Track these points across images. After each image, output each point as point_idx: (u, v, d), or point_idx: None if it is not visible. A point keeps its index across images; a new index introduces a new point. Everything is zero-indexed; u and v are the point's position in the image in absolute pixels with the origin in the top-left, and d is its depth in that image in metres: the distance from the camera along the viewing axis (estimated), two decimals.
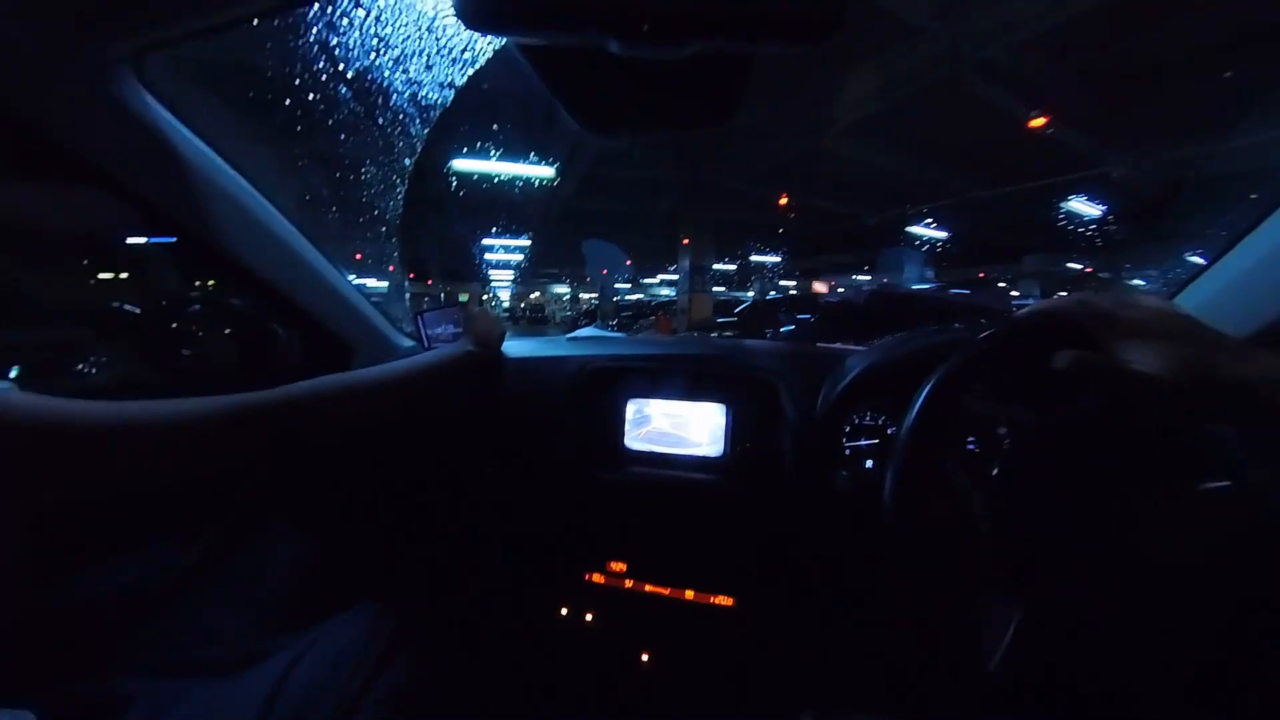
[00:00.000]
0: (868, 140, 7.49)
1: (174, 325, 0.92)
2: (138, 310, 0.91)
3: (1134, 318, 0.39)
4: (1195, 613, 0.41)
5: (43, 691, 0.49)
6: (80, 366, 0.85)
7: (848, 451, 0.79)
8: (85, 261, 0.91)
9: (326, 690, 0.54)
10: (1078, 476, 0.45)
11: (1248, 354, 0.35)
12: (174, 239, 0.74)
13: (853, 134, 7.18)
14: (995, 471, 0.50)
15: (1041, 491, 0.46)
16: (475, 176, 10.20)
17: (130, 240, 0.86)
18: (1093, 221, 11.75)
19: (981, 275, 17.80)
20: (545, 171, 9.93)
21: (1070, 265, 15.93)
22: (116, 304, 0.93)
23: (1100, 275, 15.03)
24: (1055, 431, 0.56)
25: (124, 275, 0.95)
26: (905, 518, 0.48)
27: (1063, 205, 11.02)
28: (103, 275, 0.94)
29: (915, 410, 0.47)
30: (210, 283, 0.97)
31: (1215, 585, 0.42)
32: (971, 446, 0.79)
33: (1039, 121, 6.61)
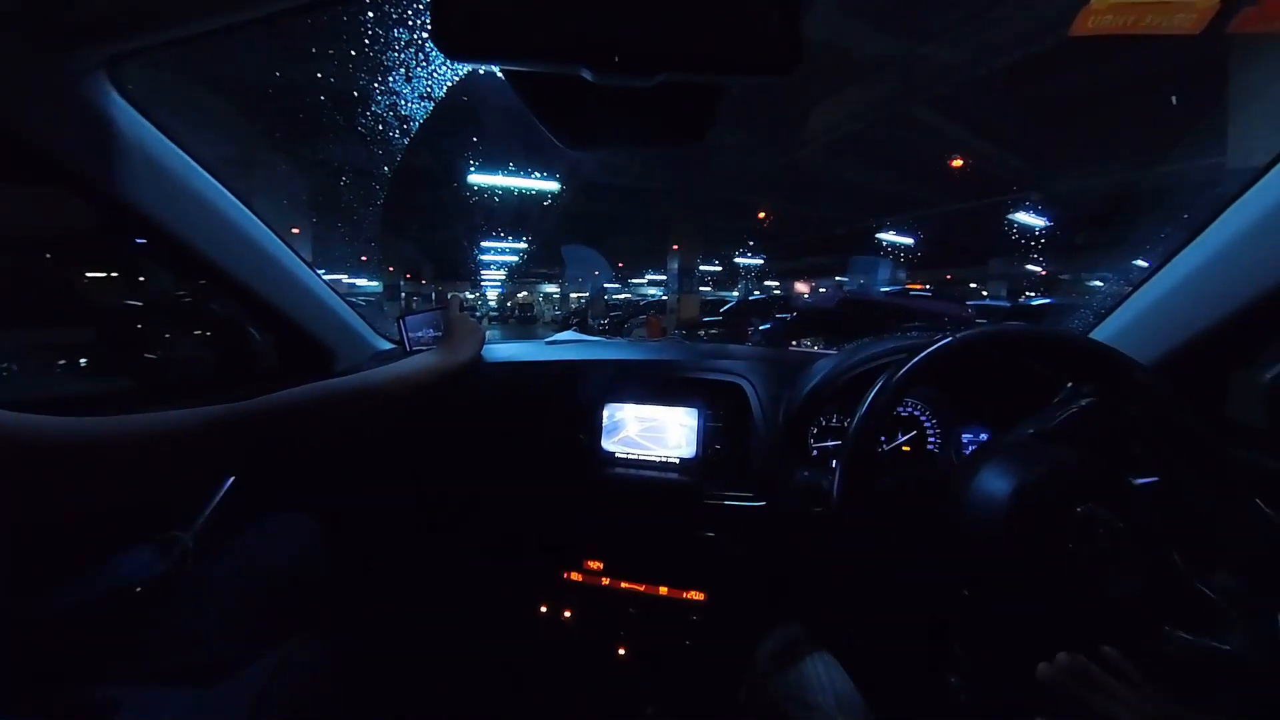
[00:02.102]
0: (841, 158, 8.19)
1: (148, 329, 0.89)
2: (112, 314, 0.88)
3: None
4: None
5: (24, 701, 0.48)
6: (54, 370, 0.82)
7: (815, 452, 0.80)
8: (59, 265, 0.88)
9: (312, 694, 0.53)
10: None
11: None
12: (149, 243, 0.71)
13: (827, 152, 7.86)
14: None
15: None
16: (481, 187, 10.16)
17: (104, 244, 0.83)
18: (1040, 230, 13.08)
19: (949, 277, 18.24)
20: (550, 185, 9.96)
21: (1030, 267, 16.51)
22: (91, 308, 0.90)
23: (1060, 277, 15.58)
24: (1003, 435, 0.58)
25: (99, 279, 0.91)
26: (850, 508, 0.50)
27: (1011, 217, 12.38)
28: (77, 279, 0.91)
29: (859, 416, 0.50)
30: (186, 287, 0.94)
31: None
32: (932, 446, 0.81)
33: (958, 162, 8.10)
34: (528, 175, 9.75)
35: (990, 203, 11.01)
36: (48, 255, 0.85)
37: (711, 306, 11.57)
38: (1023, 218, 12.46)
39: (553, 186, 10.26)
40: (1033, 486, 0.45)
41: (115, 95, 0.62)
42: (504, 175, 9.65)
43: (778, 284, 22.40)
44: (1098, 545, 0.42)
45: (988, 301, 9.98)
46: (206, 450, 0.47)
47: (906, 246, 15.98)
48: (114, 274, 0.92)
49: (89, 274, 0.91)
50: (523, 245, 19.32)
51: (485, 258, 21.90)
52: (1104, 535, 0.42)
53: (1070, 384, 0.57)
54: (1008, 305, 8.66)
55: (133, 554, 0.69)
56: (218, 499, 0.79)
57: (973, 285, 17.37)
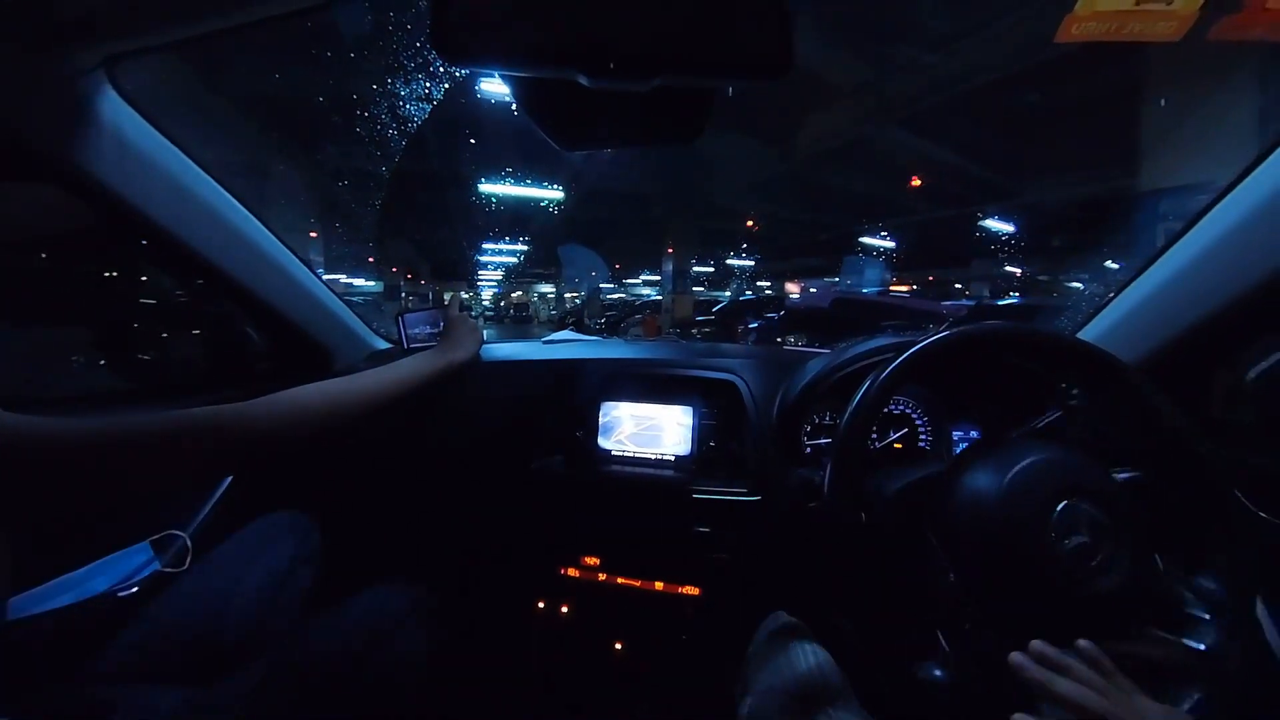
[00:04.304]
0: (827, 167, 8.78)
1: (145, 329, 0.88)
2: (109, 314, 0.86)
3: None
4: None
5: (21, 700, 0.47)
6: (52, 371, 0.80)
7: (808, 449, 0.80)
8: (55, 265, 0.86)
9: (308, 693, 0.52)
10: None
11: None
12: (146, 243, 0.70)
13: (815, 162, 8.47)
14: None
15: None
16: (482, 191, 10.20)
17: (101, 244, 0.81)
18: (1019, 234, 13.95)
19: (931, 279, 18.41)
20: (552, 194, 10.03)
21: (1010, 269, 16.80)
22: (87, 308, 0.88)
23: (1039, 278, 15.83)
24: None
25: (95, 279, 0.89)
26: (842, 503, 0.50)
27: (991, 222, 13.19)
28: (74, 280, 0.88)
29: (850, 412, 0.49)
30: (183, 287, 0.92)
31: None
32: (924, 443, 0.81)
33: (917, 181, 8.79)
34: (525, 182, 9.79)
35: (972, 209, 11.69)
36: (44, 255, 0.83)
37: (705, 306, 11.65)
38: (1002, 223, 13.13)
39: (554, 194, 10.37)
40: (1019, 482, 0.45)
41: (113, 95, 0.60)
42: (506, 183, 9.68)
43: (769, 284, 22.46)
44: (1081, 541, 0.42)
45: (963, 301, 10.26)
46: (204, 450, 0.46)
47: (892, 249, 16.29)
48: (111, 274, 0.90)
49: (86, 274, 0.89)
50: (520, 246, 19.29)
51: (483, 258, 21.81)
52: (1087, 531, 0.43)
53: (1060, 386, 0.57)
54: (973, 304, 8.89)
55: (130, 553, 0.68)
56: (215, 499, 0.78)
57: (957, 286, 17.56)
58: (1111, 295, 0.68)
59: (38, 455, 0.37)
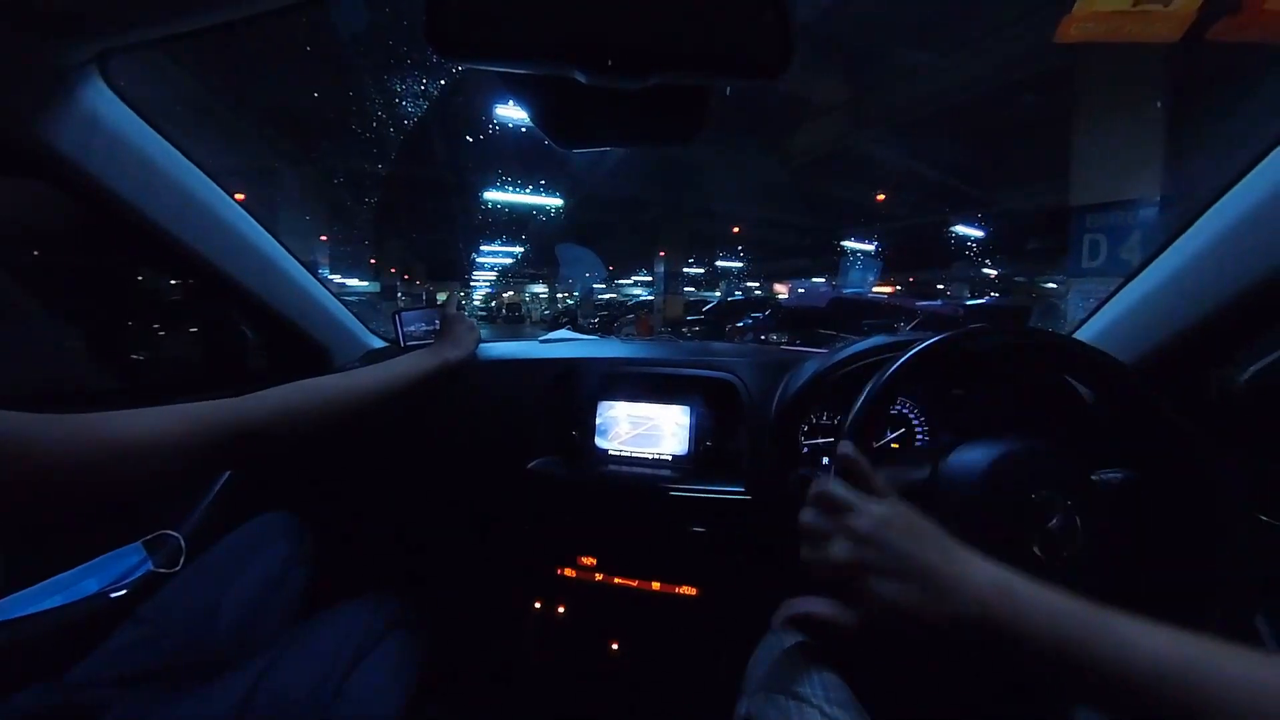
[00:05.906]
0: (813, 174, 9.16)
1: (139, 327, 0.85)
2: (101, 312, 0.83)
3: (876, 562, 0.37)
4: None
5: (10, 702, 0.45)
6: (41, 369, 0.77)
7: (805, 449, 0.79)
8: (46, 262, 0.83)
9: (300, 696, 0.51)
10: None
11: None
12: (139, 240, 0.67)
13: (801, 170, 8.80)
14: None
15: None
16: (482, 196, 10.26)
17: (94, 241, 0.79)
18: (995, 238, 14.45)
19: (912, 280, 18.67)
20: (554, 201, 10.15)
21: (987, 271, 17.13)
22: (79, 305, 0.84)
23: (1016, 279, 16.14)
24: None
25: (87, 277, 0.86)
26: None
27: (969, 227, 13.80)
28: (65, 276, 0.85)
29: (855, 409, 0.48)
30: (178, 284, 0.89)
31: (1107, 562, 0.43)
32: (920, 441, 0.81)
33: (881, 196, 9.24)
34: (524, 188, 9.87)
35: (951, 215, 12.13)
36: (34, 251, 0.80)
37: (695, 306, 11.73)
38: (979, 229, 13.60)
39: (554, 201, 10.53)
40: (1000, 469, 0.44)
41: (106, 90, 0.58)
42: (505, 190, 9.75)
43: (758, 284, 22.59)
44: (1060, 527, 0.42)
45: (936, 303, 10.60)
46: (196, 447, 0.44)
47: (873, 251, 16.57)
48: (103, 271, 0.87)
49: (77, 270, 0.86)
50: (516, 248, 19.23)
51: (480, 259, 21.67)
52: (1063, 520, 0.42)
53: (1058, 384, 0.57)
54: (940, 304, 9.17)
55: (122, 554, 0.66)
56: (210, 498, 0.76)
57: (939, 286, 17.85)
58: (1104, 300, 0.67)
59: (20, 453, 0.35)
